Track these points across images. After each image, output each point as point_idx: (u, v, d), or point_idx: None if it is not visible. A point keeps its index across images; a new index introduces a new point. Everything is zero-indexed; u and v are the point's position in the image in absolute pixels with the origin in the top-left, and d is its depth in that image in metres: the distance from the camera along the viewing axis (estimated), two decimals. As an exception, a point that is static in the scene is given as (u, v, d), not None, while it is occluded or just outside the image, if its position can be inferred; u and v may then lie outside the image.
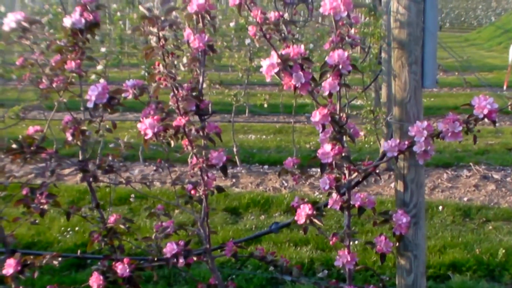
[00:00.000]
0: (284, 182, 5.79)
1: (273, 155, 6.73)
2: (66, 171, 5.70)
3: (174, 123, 1.99)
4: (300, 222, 2.17)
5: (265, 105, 6.52)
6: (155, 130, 2.00)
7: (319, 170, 2.23)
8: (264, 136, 7.69)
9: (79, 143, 2.50)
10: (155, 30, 1.84)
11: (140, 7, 1.84)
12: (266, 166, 6.30)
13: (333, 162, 2.10)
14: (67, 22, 2.35)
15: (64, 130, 2.51)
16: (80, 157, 2.45)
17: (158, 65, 1.93)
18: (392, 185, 5.38)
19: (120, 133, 7.06)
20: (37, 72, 2.49)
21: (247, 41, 6.08)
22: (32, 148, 2.42)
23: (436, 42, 2.23)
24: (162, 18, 1.85)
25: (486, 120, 2.05)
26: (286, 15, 2.29)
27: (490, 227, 4.44)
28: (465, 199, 5.13)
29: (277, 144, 7.31)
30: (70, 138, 2.50)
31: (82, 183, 2.54)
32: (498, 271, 3.74)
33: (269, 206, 5.09)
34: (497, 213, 4.68)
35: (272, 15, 2.21)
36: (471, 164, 5.84)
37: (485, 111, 2.01)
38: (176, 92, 1.94)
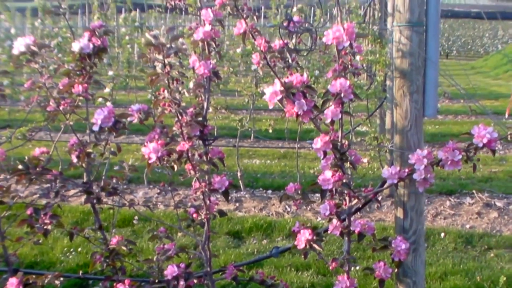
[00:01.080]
0: (287, 207, 5.80)
1: (277, 180, 6.75)
2: (71, 192, 5.73)
3: (178, 148, 2.03)
4: (300, 247, 2.20)
5: (270, 131, 6.55)
6: (159, 154, 2.04)
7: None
8: (268, 161, 7.71)
9: (84, 165, 2.55)
10: (160, 57, 1.89)
11: (146, 34, 1.89)
12: (269, 191, 6.31)
13: (334, 189, 2.13)
14: (76, 46, 2.41)
15: (70, 152, 2.55)
16: (85, 179, 2.48)
17: (163, 91, 1.97)
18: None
19: (126, 155, 7.12)
20: (45, 95, 2.54)
21: (254, 66, 6.12)
22: (37, 169, 2.47)
23: (437, 72, 2.27)
24: (168, 46, 1.90)
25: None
26: (290, 44, 2.34)
27: (492, 255, 4.44)
28: (468, 226, 5.13)
29: (281, 169, 7.32)
30: (75, 160, 2.55)
31: (86, 204, 2.57)
32: (499, 299, 3.75)
33: (271, 230, 5.09)
34: (499, 241, 4.68)
35: (276, 43, 2.26)
36: (474, 191, 5.85)
37: (485, 140, 2.04)
38: (180, 117, 1.98)
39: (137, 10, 10.48)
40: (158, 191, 6.25)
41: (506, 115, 4.92)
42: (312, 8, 10.43)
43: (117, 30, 9.41)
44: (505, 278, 3.87)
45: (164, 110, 2.00)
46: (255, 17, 2.03)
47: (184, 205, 2.74)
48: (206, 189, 2.16)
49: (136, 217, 5.20)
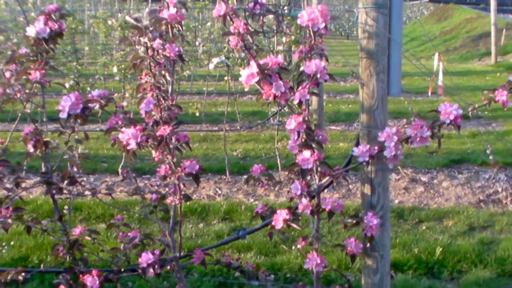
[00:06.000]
0: (217, 190, 5.82)
1: (202, 163, 6.73)
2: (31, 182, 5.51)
3: (158, 133, 2.00)
4: (278, 226, 2.23)
5: (197, 114, 6.54)
6: (138, 140, 2.00)
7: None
8: (190, 145, 7.68)
9: (41, 154, 2.46)
10: (145, 40, 1.85)
11: (128, 18, 1.85)
12: (197, 174, 6.30)
13: (313, 168, 2.16)
14: (31, 31, 2.31)
15: (25, 141, 2.45)
16: (43, 169, 2.40)
17: (146, 75, 1.93)
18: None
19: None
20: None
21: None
22: (-8, 160, 2.37)
23: (401, 52, 2.34)
24: (151, 28, 1.86)
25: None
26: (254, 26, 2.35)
27: (424, 227, 4.64)
28: (396, 201, 5.32)
29: (204, 152, 7.33)
30: (31, 150, 2.45)
31: (47, 195, 2.49)
32: (437, 268, 3.91)
33: (206, 214, 5.10)
34: (429, 214, 4.89)
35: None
36: (399, 167, 6.07)
37: (451, 117, 2.12)
38: (162, 102, 1.95)
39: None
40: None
41: (429, 93, 5.11)
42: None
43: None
44: (440, 249, 4.06)
45: (145, 95, 1.96)
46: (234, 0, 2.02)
47: (142, 191, 2.69)
48: (182, 174, 2.14)
49: (66, 207, 5.07)
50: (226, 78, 6.67)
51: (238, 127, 8.06)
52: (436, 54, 4.33)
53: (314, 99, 5.90)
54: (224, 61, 5.98)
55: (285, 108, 2.32)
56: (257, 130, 8.35)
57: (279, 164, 6.14)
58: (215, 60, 6.09)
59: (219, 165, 6.45)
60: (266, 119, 6.76)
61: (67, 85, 6.21)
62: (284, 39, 5.77)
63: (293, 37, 5.19)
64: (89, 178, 6.22)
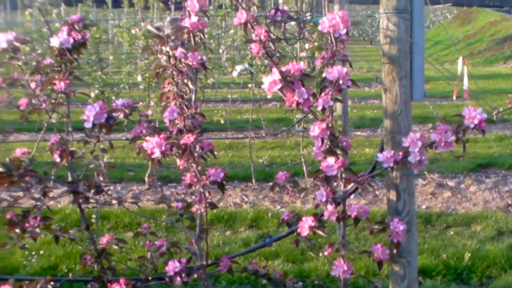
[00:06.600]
0: (244, 197, 5.83)
1: (228, 170, 6.75)
2: (59, 191, 5.56)
3: (182, 141, 2.01)
4: (304, 234, 2.22)
5: (222, 121, 6.57)
6: (163, 148, 2.01)
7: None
8: (215, 153, 7.70)
9: (67, 164, 2.49)
10: (166, 49, 1.86)
11: (149, 27, 1.86)
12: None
13: (338, 174, 2.16)
14: (55, 41, 2.34)
15: (51, 151, 2.48)
16: (69, 178, 2.42)
17: (168, 84, 1.95)
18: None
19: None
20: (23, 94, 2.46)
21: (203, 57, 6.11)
22: (20, 170, 2.39)
23: (423, 57, 2.33)
24: (173, 37, 1.87)
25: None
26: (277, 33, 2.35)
27: (452, 233, 4.60)
28: (424, 206, 5.29)
29: (230, 160, 7.34)
30: (58, 160, 2.48)
31: (74, 204, 2.51)
32: (466, 274, 3.89)
33: (233, 221, 5.11)
34: (456, 219, 4.85)
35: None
36: (425, 172, 6.02)
37: (476, 121, 2.10)
38: (185, 110, 1.96)
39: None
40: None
41: (454, 98, 5.07)
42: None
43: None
44: (469, 254, 4.02)
45: (168, 104, 1.97)
46: (255, 7, 2.03)
47: (168, 199, 2.71)
48: (207, 182, 2.15)
49: (93, 216, 5.11)
50: (250, 85, 6.68)
51: (264, 134, 8.07)
52: (460, 58, 4.31)
53: (339, 105, 5.88)
54: (248, 68, 5.99)
55: (309, 115, 2.32)
56: (282, 137, 8.35)
57: (304, 170, 6.13)
58: (238, 68, 6.11)
59: (245, 173, 6.46)
60: (291, 126, 6.75)
61: (92, 95, 6.28)
62: (307, 46, 5.77)
63: (316, 44, 5.19)
64: (116, 187, 6.27)
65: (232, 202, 5.71)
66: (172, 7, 7.91)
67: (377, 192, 5.67)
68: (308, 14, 4.82)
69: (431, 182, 5.80)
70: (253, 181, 6.17)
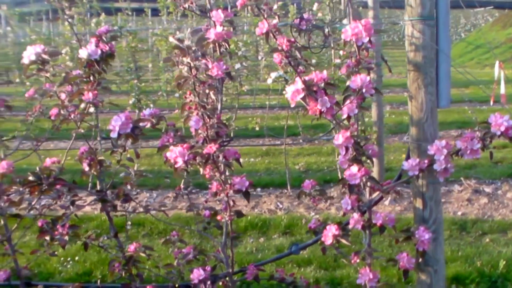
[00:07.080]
0: (279, 204, 5.83)
1: (264, 177, 6.77)
2: (88, 200, 5.66)
3: (205, 151, 2.03)
4: (328, 242, 2.22)
5: (257, 128, 6.57)
6: (186, 158, 2.03)
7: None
8: (252, 159, 7.73)
9: (96, 173, 2.53)
10: (187, 60, 1.88)
11: (170, 38, 1.89)
12: (258, 189, 6.32)
13: (361, 183, 2.15)
14: (83, 53, 2.38)
15: (81, 160, 2.53)
16: (98, 187, 2.47)
17: (190, 94, 1.97)
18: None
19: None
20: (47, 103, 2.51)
21: (237, 65, 6.16)
22: (50, 179, 2.44)
23: (449, 63, 2.31)
24: (194, 48, 1.89)
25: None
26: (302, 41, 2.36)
27: (487, 240, 4.52)
28: (459, 213, 5.21)
29: (266, 167, 7.35)
30: (87, 169, 2.53)
31: (102, 212, 2.56)
32: (501, 282, 3.81)
33: (267, 228, 5.11)
34: (492, 226, 4.77)
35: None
36: (462, 178, 5.94)
37: (502, 128, 2.07)
38: (207, 120, 1.98)
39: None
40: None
41: (491, 103, 5.00)
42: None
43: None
44: (504, 262, 3.95)
45: (190, 114, 1.99)
46: (277, 17, 2.04)
47: (196, 207, 2.74)
48: (231, 191, 2.16)
49: (129, 223, 5.17)
50: (284, 92, 6.68)
51: (300, 141, 8.06)
52: (497, 62, 4.24)
53: (374, 112, 5.84)
54: (282, 75, 6.00)
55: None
56: (319, 143, 8.33)
57: (340, 177, 6.11)
58: (273, 75, 6.13)
59: (281, 179, 6.46)
60: (326, 132, 6.73)
61: (130, 102, 6.37)
62: (341, 53, 5.75)
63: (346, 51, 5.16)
64: (152, 193, 6.32)
65: (267, 209, 5.71)
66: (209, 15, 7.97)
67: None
68: (337, 21, 4.80)
69: (467, 188, 5.72)
70: (288, 187, 6.16)
